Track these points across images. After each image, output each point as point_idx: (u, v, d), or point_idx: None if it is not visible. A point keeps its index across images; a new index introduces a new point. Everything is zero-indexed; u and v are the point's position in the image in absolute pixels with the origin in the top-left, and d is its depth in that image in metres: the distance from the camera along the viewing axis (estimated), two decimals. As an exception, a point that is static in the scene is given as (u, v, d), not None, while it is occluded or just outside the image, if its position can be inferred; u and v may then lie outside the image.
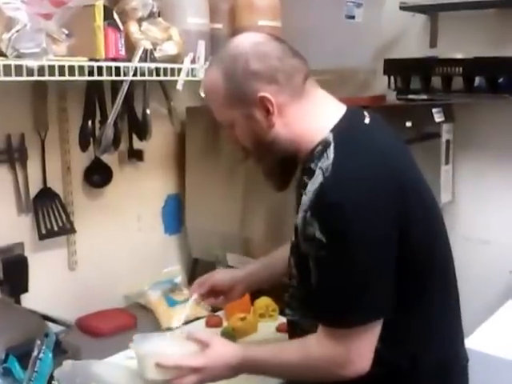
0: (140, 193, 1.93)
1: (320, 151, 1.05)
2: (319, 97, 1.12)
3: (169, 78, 1.49)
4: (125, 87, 1.48)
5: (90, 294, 1.77)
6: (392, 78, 2.01)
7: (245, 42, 1.09)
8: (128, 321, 1.73)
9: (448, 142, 2.00)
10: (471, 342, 1.28)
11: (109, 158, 1.77)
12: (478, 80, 1.86)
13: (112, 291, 1.84)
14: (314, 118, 1.09)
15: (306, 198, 1.03)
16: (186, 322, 1.66)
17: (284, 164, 1.13)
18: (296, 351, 1.09)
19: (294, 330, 1.18)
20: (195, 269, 2.08)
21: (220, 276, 1.41)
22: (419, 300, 1.08)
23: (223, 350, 1.14)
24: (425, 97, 1.92)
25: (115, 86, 1.59)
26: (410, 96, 1.95)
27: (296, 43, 1.14)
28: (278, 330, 1.65)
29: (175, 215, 2.06)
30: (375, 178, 1.01)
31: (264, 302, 1.72)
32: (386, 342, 1.05)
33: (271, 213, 1.84)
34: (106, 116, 1.61)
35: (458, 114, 2.01)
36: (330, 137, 1.05)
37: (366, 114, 1.14)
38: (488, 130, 2.00)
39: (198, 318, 1.74)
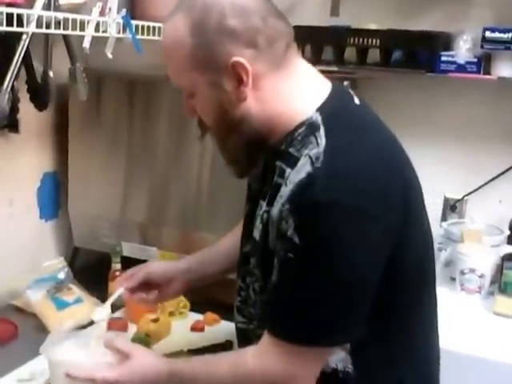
0: (12, 171, 1.71)
1: (304, 134, 0.94)
2: (301, 69, 1.00)
3: (77, 32, 1.27)
4: (26, 41, 1.27)
5: None
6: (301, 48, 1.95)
7: None
8: (6, 330, 1.52)
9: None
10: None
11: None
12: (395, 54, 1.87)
13: None
14: (294, 93, 0.97)
15: (287, 190, 0.92)
16: (82, 327, 1.50)
17: (250, 146, 1.00)
18: (228, 364, 0.99)
19: (247, 340, 1.07)
20: (77, 260, 1.90)
21: (154, 267, 1.28)
22: (407, 314, 1.00)
23: (144, 363, 1.04)
24: (336, 69, 1.89)
25: (9, 41, 1.35)
26: (321, 67, 1.90)
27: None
28: (193, 328, 1.56)
29: (52, 197, 1.87)
30: (377, 177, 0.91)
31: (173, 297, 1.60)
32: (366, 369, 0.97)
33: (156, 192, 1.75)
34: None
35: (363, 89, 2.01)
36: (318, 118, 0.94)
37: (352, 92, 1.05)
38: (397, 106, 2.03)
39: (92, 322, 1.56)
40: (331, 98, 0.98)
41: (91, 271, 1.82)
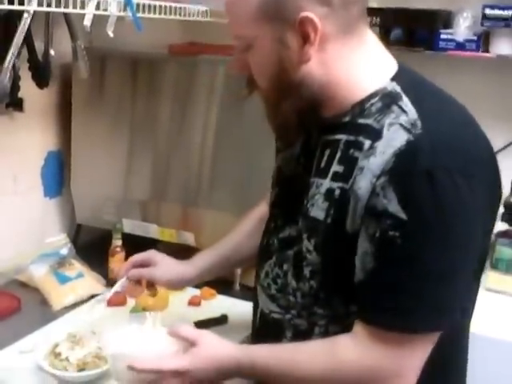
0: (16, 149, 1.77)
1: (382, 105, 0.89)
2: (371, 39, 0.95)
3: (78, 10, 1.32)
4: (27, 20, 1.31)
5: None
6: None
7: None
8: (10, 303, 1.59)
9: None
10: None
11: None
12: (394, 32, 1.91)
13: None
14: (363, 62, 0.92)
15: (377, 160, 0.85)
16: (80, 302, 1.59)
17: (305, 114, 0.94)
18: (321, 354, 0.92)
19: (279, 332, 1.02)
20: (80, 237, 1.98)
21: (161, 275, 1.27)
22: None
23: (214, 350, 0.99)
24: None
25: (11, 20, 1.40)
26: None
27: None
28: (190, 303, 1.63)
29: (56, 176, 1.93)
30: (477, 141, 0.89)
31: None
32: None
33: (158, 170, 1.80)
34: (0, 57, 1.41)
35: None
36: (396, 88, 0.89)
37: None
38: None
39: (92, 296, 1.65)
40: (404, 70, 0.94)
41: (93, 247, 1.89)
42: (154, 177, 1.81)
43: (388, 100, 0.89)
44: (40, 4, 1.26)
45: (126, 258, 1.74)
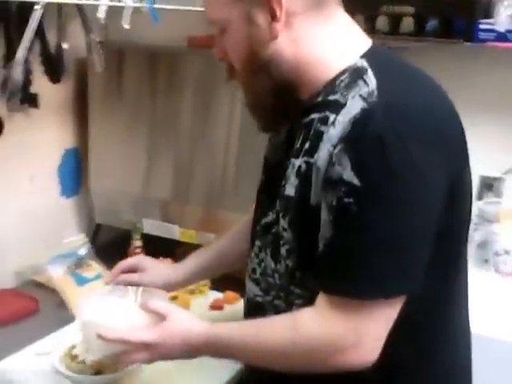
0: (32, 147, 1.74)
1: (349, 80, 0.90)
2: (342, 17, 0.96)
3: (91, 1, 1.29)
4: (39, 12, 1.29)
5: None
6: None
7: None
8: (27, 304, 1.57)
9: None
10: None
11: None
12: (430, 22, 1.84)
13: (0, 267, 1.68)
14: (333, 40, 0.94)
15: (336, 131, 0.87)
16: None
17: (279, 94, 0.96)
18: (282, 328, 0.94)
19: (261, 314, 1.04)
20: (98, 237, 1.94)
21: (150, 281, 1.27)
22: (448, 278, 0.97)
23: (184, 324, 1.01)
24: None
25: (23, 13, 1.38)
26: None
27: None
28: (212, 307, 1.59)
29: (73, 174, 1.91)
30: (437, 111, 0.89)
31: (193, 275, 1.63)
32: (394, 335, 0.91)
33: (179, 169, 1.76)
34: (12, 51, 1.40)
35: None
36: (364, 63, 0.91)
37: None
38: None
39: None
40: (376, 48, 0.95)
41: (112, 248, 1.86)
42: (176, 176, 1.77)
43: (355, 75, 0.90)
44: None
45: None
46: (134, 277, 1.29)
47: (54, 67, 1.55)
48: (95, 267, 1.68)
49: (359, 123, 0.85)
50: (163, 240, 1.79)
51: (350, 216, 0.85)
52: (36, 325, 1.48)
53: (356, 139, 0.84)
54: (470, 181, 1.00)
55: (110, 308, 1.09)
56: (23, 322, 1.48)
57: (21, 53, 1.37)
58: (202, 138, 1.70)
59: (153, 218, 1.81)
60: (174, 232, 1.78)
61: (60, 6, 1.46)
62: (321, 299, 0.91)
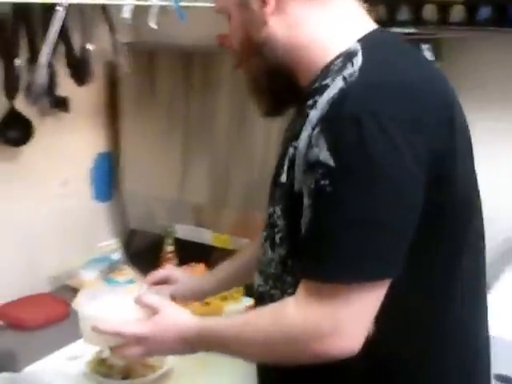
0: (65, 151, 1.76)
1: (341, 64, 0.89)
2: (342, 2, 0.95)
3: (115, 1, 1.29)
4: (61, 14, 1.29)
5: (8, 277, 1.63)
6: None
7: None
8: (61, 309, 1.59)
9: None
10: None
11: (27, 109, 1.57)
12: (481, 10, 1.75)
13: (35, 272, 1.71)
14: (331, 24, 0.93)
15: (316, 112, 0.87)
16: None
17: (274, 78, 0.98)
18: (266, 318, 0.93)
19: (263, 304, 1.02)
20: (132, 242, 1.94)
21: (179, 292, 1.28)
22: (444, 270, 0.92)
23: (176, 318, 1.02)
24: (413, 30, 1.79)
25: (47, 14, 1.39)
26: (396, 29, 1.79)
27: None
28: (246, 312, 1.55)
29: (106, 178, 1.92)
30: (420, 90, 0.87)
31: (226, 280, 1.61)
32: (384, 325, 0.88)
33: (215, 173, 1.74)
34: (36, 54, 1.41)
35: (448, 52, 1.91)
36: (357, 47, 0.90)
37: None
38: (487, 73, 1.90)
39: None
40: (376, 32, 0.94)
41: (145, 253, 1.86)
42: (212, 179, 1.75)
43: (347, 58, 0.89)
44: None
45: (180, 264, 1.71)
46: (164, 289, 1.29)
47: (78, 70, 1.55)
48: (128, 272, 1.68)
49: (336, 103, 0.84)
50: (196, 245, 1.77)
51: (325, 198, 0.84)
52: (68, 329, 1.44)
53: (332, 119, 0.84)
54: (471, 166, 0.98)
55: (108, 302, 1.12)
56: (56, 326, 1.50)
57: (44, 56, 1.39)
58: (239, 140, 1.68)
59: (186, 223, 1.79)
60: (207, 237, 1.76)
61: (82, 6, 1.46)
62: (299, 286, 0.90)
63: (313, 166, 0.85)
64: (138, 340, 1.01)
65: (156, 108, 1.79)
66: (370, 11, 1.00)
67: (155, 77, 1.76)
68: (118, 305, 1.10)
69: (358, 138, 0.81)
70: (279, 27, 0.94)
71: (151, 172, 1.85)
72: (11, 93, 1.47)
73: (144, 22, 1.46)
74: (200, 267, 1.66)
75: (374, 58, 0.88)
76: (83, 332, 1.10)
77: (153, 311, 1.04)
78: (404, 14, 1.79)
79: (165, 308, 1.04)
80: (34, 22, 1.45)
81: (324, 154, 0.83)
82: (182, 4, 1.40)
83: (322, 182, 0.83)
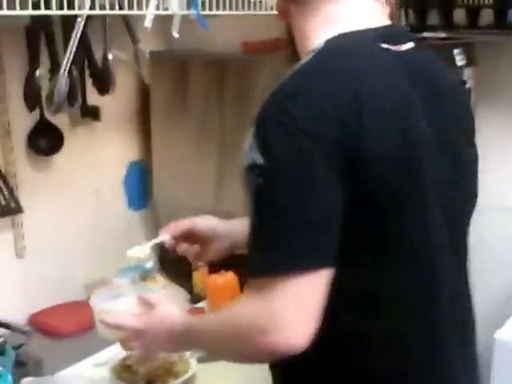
0: (97, 160, 1.79)
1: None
2: (331, 8, 0.96)
3: (135, 11, 1.31)
4: (80, 24, 1.31)
5: (43, 285, 1.68)
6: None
7: None
8: (90, 317, 1.58)
9: (469, 90, 1.88)
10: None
11: (57, 118, 1.61)
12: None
13: (69, 280, 1.74)
14: (316, 29, 0.96)
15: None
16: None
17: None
18: (227, 314, 0.97)
19: None
20: (165, 250, 1.94)
21: (198, 222, 1.31)
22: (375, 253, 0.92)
23: (167, 314, 1.08)
24: (444, 35, 1.77)
25: (68, 24, 1.42)
26: (427, 34, 1.79)
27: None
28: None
29: (140, 186, 1.94)
30: (319, 91, 0.87)
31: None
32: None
33: None
34: (57, 63, 1.44)
35: (481, 55, 1.88)
36: (321, 46, 0.92)
37: (407, 38, 0.98)
38: None
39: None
40: (360, 32, 0.94)
41: (179, 261, 1.86)
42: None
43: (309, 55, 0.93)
44: (92, 8, 1.25)
45: (210, 272, 1.71)
46: (191, 250, 1.33)
47: (100, 79, 1.58)
48: (160, 280, 1.68)
49: (263, 105, 0.90)
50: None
51: (260, 195, 0.88)
52: (97, 337, 1.47)
53: (258, 120, 0.90)
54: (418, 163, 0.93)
55: (120, 298, 1.22)
56: (87, 334, 1.50)
57: (65, 65, 1.41)
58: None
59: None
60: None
61: (103, 16, 1.48)
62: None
63: (252, 169, 0.89)
64: (137, 333, 1.08)
65: (188, 116, 1.78)
66: (392, 14, 0.99)
67: (187, 86, 1.76)
68: (125, 302, 1.19)
69: (276, 137, 0.87)
70: (297, 15, 0.98)
71: (184, 181, 1.85)
72: (31, 103, 1.50)
73: (179, 30, 1.46)
74: (230, 275, 1.65)
75: (314, 62, 0.90)
76: (96, 325, 1.20)
77: (149, 306, 1.11)
78: (434, 18, 1.78)
79: (160, 304, 1.10)
80: (54, 33, 1.47)
81: (257, 156, 0.88)
82: (204, 13, 1.40)
83: (259, 180, 0.88)
